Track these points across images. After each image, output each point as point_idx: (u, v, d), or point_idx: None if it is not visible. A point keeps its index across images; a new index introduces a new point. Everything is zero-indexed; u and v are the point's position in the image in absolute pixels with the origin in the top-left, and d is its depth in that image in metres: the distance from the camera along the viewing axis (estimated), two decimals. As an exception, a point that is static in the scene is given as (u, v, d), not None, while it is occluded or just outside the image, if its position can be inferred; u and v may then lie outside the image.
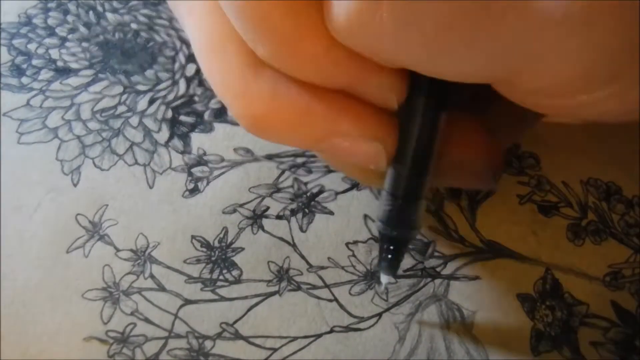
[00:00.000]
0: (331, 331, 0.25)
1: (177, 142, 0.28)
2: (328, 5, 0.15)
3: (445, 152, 0.20)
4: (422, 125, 0.19)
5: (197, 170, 0.27)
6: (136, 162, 0.28)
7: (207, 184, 0.27)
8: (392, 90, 0.18)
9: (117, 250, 0.26)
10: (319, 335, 0.25)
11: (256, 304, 0.25)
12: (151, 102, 0.29)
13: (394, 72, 0.17)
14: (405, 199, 0.20)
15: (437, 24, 0.14)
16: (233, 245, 0.26)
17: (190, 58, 0.30)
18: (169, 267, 0.26)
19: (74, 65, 0.29)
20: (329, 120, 0.18)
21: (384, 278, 0.23)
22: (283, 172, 0.28)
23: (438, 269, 0.26)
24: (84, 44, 0.30)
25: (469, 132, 0.21)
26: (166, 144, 0.28)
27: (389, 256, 0.22)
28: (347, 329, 0.25)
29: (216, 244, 0.26)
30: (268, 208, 0.27)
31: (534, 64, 0.14)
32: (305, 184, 0.27)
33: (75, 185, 0.27)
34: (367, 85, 0.18)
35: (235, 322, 0.25)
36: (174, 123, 0.28)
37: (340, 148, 0.19)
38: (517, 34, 0.13)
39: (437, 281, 0.26)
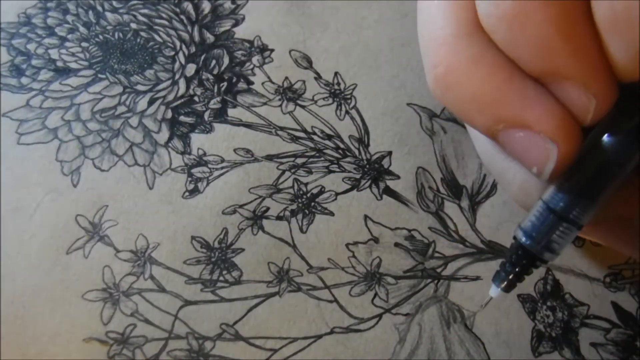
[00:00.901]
0: (331, 332, 0.25)
1: (177, 143, 0.28)
2: None
3: (620, 199, 0.19)
4: (617, 149, 0.17)
5: (197, 171, 0.27)
6: (136, 163, 0.28)
7: (207, 184, 0.27)
8: (597, 95, 0.17)
9: (117, 251, 0.26)
10: (319, 336, 0.25)
11: (256, 305, 0.25)
12: (151, 102, 0.29)
13: (609, 83, 0.17)
14: (561, 216, 0.18)
15: None
16: (233, 246, 0.26)
17: (190, 58, 0.30)
18: (169, 268, 0.26)
19: (73, 66, 0.29)
20: (518, 104, 0.17)
21: (494, 291, 0.21)
22: (283, 172, 0.27)
23: (439, 270, 0.26)
24: (84, 44, 0.30)
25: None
26: (166, 145, 0.28)
27: (516, 270, 0.20)
28: (347, 330, 0.25)
29: (216, 244, 0.26)
30: (268, 209, 0.27)
31: None
32: (306, 184, 0.27)
33: (75, 186, 0.27)
34: (577, 77, 0.17)
35: (235, 323, 0.25)
36: (173, 123, 0.28)
37: (514, 139, 0.18)
38: None
39: (438, 282, 0.26)
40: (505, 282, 0.20)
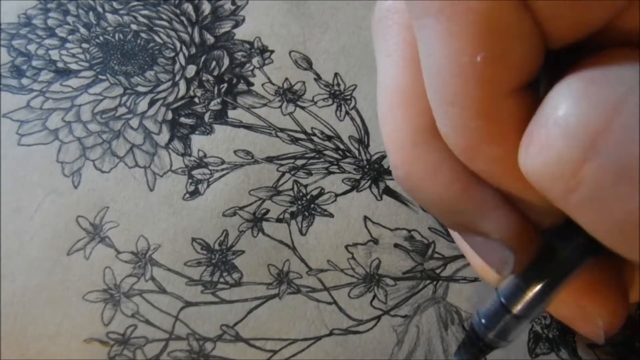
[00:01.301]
0: (330, 334, 0.25)
1: (177, 144, 0.28)
2: (527, 139, 0.15)
3: (570, 291, 0.19)
4: (566, 258, 0.18)
5: (197, 173, 0.28)
6: (137, 164, 0.28)
7: (208, 186, 0.27)
8: (549, 215, 0.17)
9: (118, 252, 0.26)
10: (318, 338, 0.25)
11: (256, 307, 0.25)
12: (151, 103, 0.29)
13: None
14: (516, 316, 0.19)
15: (628, 220, 0.13)
16: (233, 248, 0.26)
17: (190, 59, 0.30)
18: (169, 270, 0.26)
19: (74, 67, 0.29)
20: (476, 213, 0.17)
21: None
22: (283, 174, 0.28)
23: (438, 271, 0.26)
24: (84, 45, 0.30)
25: (601, 282, 0.19)
26: (166, 146, 0.28)
27: (472, 351, 0.21)
28: (346, 331, 0.25)
29: (216, 246, 0.26)
30: (268, 211, 0.27)
31: None
32: (305, 186, 0.27)
33: (75, 187, 0.27)
34: (529, 204, 0.17)
35: (235, 324, 0.25)
36: (174, 125, 0.28)
37: (475, 241, 0.18)
38: None
39: (437, 283, 0.26)
40: (466, 358, 0.21)
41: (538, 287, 0.18)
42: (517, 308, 0.19)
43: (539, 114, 0.14)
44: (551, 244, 0.18)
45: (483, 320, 0.20)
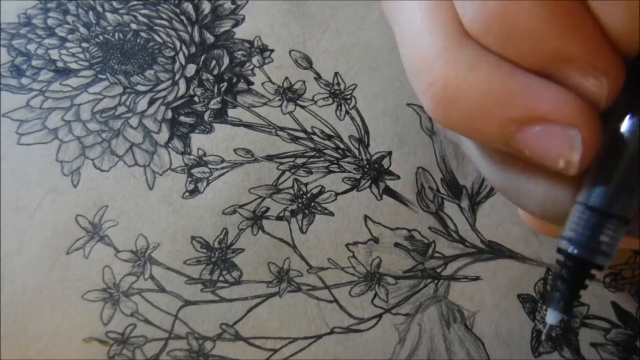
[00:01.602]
0: (331, 332, 0.25)
1: (177, 143, 0.28)
2: None
3: None
4: None
5: (197, 171, 0.27)
6: (136, 163, 0.28)
7: (207, 185, 0.27)
8: (606, 73, 0.16)
9: (117, 251, 0.26)
10: (319, 336, 0.25)
11: (256, 305, 0.25)
12: (151, 102, 0.29)
13: (614, 58, 0.16)
14: (605, 213, 0.17)
15: None
16: (233, 247, 0.26)
17: (190, 58, 0.30)
18: (169, 268, 0.26)
19: (73, 66, 0.29)
20: (527, 98, 0.16)
21: (554, 316, 0.18)
22: (283, 173, 0.28)
23: (438, 270, 0.26)
24: (84, 45, 0.30)
25: None
26: (166, 145, 0.28)
27: (571, 285, 0.18)
28: (347, 330, 0.25)
29: (216, 245, 0.26)
30: (268, 209, 0.27)
31: None
32: (305, 184, 0.27)
33: (75, 186, 0.27)
34: (580, 58, 0.16)
35: (235, 323, 0.25)
36: (173, 124, 0.28)
37: (531, 137, 0.17)
38: None
39: (438, 282, 0.26)
40: (563, 303, 0.18)
41: (623, 174, 0.16)
42: (610, 206, 0.16)
43: None
44: (618, 126, 0.16)
45: (574, 240, 0.17)
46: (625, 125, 0.16)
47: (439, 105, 0.17)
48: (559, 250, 0.18)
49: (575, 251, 0.17)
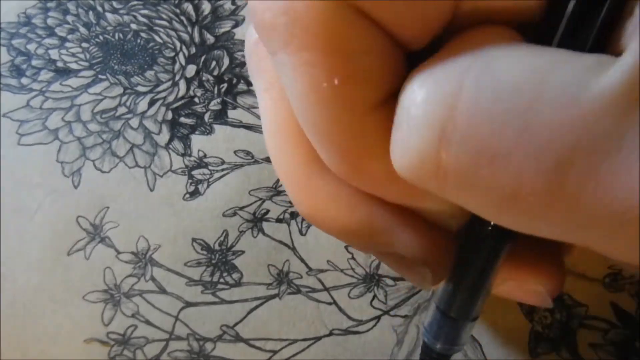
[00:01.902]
0: (330, 334, 0.25)
1: (177, 144, 0.28)
2: (392, 144, 0.14)
3: (505, 272, 0.19)
4: (483, 254, 0.17)
5: (197, 173, 0.28)
6: (137, 165, 0.28)
7: (208, 186, 0.27)
8: (453, 217, 0.17)
9: (118, 252, 0.26)
10: (318, 338, 0.25)
11: (256, 307, 0.25)
12: (151, 103, 0.29)
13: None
14: (454, 319, 0.19)
15: (503, 196, 0.12)
16: (233, 248, 0.26)
17: (190, 59, 0.30)
18: (169, 270, 0.26)
19: (73, 66, 0.29)
20: (386, 235, 0.17)
21: None
22: (283, 174, 0.28)
23: (437, 272, 0.26)
24: (84, 45, 0.30)
25: (533, 255, 0.19)
26: (167, 146, 0.28)
27: None
28: (346, 331, 0.25)
29: (217, 246, 0.26)
30: (268, 211, 0.27)
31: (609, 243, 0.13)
32: (305, 186, 0.27)
33: (75, 187, 0.27)
34: (431, 211, 0.17)
35: (235, 324, 0.25)
36: (174, 125, 0.28)
37: (390, 260, 0.19)
38: (592, 216, 0.12)
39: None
40: None
41: (467, 286, 0.18)
42: (454, 311, 0.19)
43: (396, 117, 0.14)
44: (467, 242, 0.18)
45: (429, 332, 0.20)
46: (467, 245, 0.18)
47: (306, 218, 0.19)
48: (424, 341, 0.20)
49: (431, 342, 0.20)
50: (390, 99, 0.15)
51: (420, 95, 0.13)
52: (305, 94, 0.14)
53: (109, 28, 0.30)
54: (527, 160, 0.12)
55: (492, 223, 0.16)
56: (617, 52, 0.12)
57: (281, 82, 0.16)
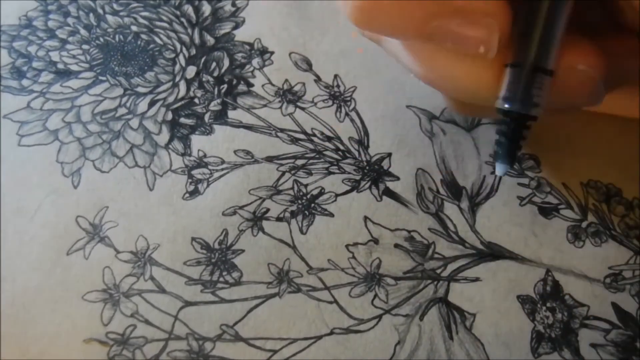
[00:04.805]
0: (331, 333, 0.25)
1: (177, 144, 0.28)
2: None
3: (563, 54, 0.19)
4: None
5: (197, 172, 0.28)
6: (136, 164, 0.28)
7: (207, 186, 0.27)
8: None
9: (117, 252, 0.26)
10: (319, 337, 0.25)
11: (256, 306, 0.25)
12: (151, 104, 0.29)
13: None
14: (531, 68, 0.19)
15: None
16: (233, 247, 0.26)
17: (191, 60, 0.30)
18: (169, 269, 0.26)
19: (74, 68, 0.29)
20: None
21: (500, 168, 0.22)
22: (283, 174, 0.28)
23: (438, 271, 0.26)
24: (85, 46, 0.30)
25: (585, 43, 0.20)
26: (166, 146, 0.28)
27: (510, 137, 0.21)
28: (347, 330, 0.25)
29: (216, 246, 0.26)
30: (268, 210, 0.27)
31: None
32: (305, 185, 0.27)
33: (75, 187, 0.27)
34: None
35: (235, 324, 0.25)
36: (174, 125, 0.28)
37: (452, 28, 0.18)
38: None
39: (438, 283, 0.26)
40: (506, 154, 0.21)
41: (539, 35, 0.19)
42: (529, 61, 0.19)
43: None
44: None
45: (506, 98, 0.20)
46: None
47: (363, 12, 0.19)
48: (498, 110, 0.21)
49: (510, 106, 0.20)
50: None
51: None
52: None
53: (109, 30, 0.30)
54: None
55: None
56: None
57: None
